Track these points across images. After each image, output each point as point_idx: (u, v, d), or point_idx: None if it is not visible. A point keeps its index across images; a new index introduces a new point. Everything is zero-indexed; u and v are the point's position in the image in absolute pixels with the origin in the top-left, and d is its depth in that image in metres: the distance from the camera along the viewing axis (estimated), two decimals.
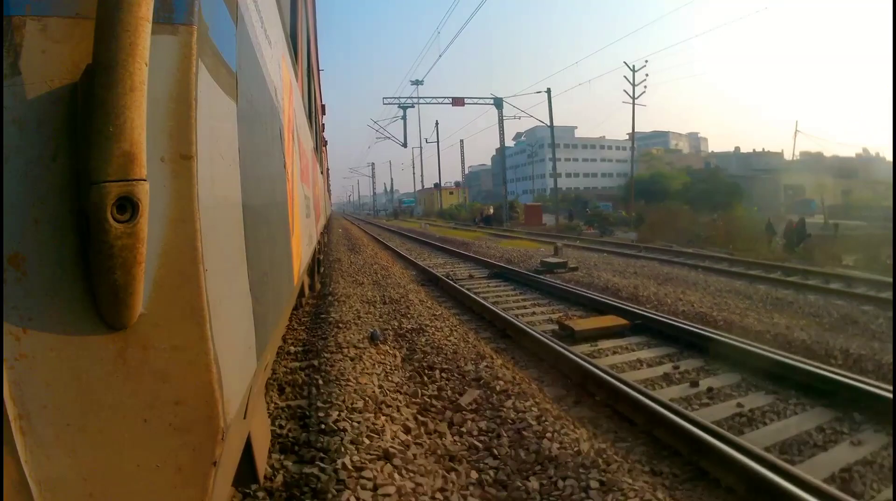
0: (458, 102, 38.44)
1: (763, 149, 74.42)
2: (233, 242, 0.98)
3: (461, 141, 78.86)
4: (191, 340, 0.73)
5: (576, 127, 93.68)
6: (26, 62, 0.63)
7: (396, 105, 40.73)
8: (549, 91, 33.60)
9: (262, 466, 2.11)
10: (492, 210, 41.86)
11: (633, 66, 34.03)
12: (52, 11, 0.65)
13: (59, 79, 0.65)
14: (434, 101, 40.09)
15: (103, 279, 0.63)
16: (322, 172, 8.84)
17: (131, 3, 0.60)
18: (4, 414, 0.60)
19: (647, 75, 34.00)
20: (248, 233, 1.09)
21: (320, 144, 8.07)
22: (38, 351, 0.63)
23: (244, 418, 1.17)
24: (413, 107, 41.04)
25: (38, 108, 0.63)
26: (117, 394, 0.67)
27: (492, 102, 38.32)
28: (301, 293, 4.93)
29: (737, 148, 74.16)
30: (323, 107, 8.73)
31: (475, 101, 38.93)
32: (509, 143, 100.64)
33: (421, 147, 65.05)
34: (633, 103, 33.66)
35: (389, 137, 46.27)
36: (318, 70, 7.23)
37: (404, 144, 43.57)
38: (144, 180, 0.63)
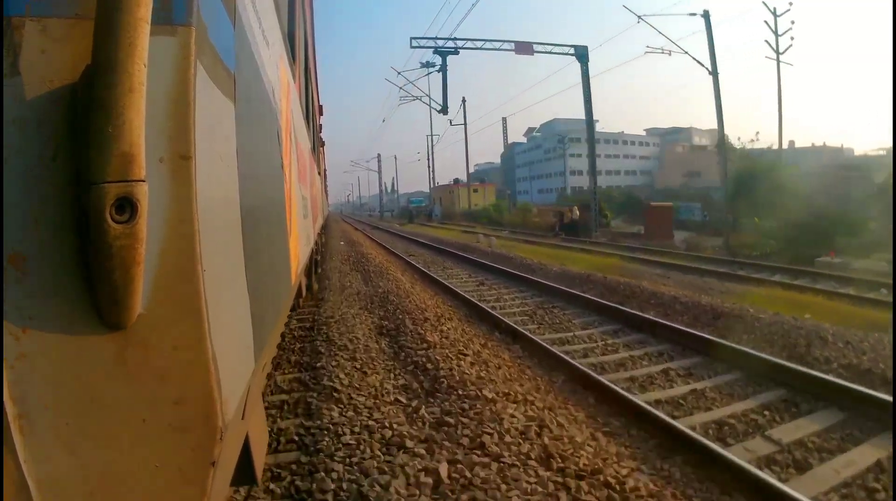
0: (523, 48, 25.73)
1: (822, 144, 62.75)
2: (231, 242, 0.98)
3: (504, 119, 66.25)
4: (189, 340, 0.73)
5: (597, 121, 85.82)
6: (26, 62, 0.63)
7: (433, 50, 25.97)
8: (707, 16, 20.99)
9: (259, 466, 2.10)
10: (577, 212, 27.58)
11: (775, 9, 23.02)
12: (51, 12, 0.65)
13: (58, 79, 0.65)
14: (487, 45, 25.97)
15: (103, 280, 0.63)
16: (319, 173, 8.84)
17: (130, 4, 0.61)
18: (4, 414, 0.61)
19: (792, 23, 23.12)
20: (245, 234, 1.09)
21: (318, 144, 8.07)
22: (37, 351, 0.63)
23: (242, 418, 1.17)
24: (456, 52, 25.73)
25: (37, 108, 0.64)
26: (117, 394, 0.68)
27: (571, 51, 26.19)
28: (298, 294, 4.93)
29: (791, 142, 60.52)
30: (320, 107, 8.73)
31: (548, 49, 26.04)
32: (520, 139, 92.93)
33: (432, 136, 53.34)
34: (778, 59, 22.48)
35: (420, 98, 32.41)
36: (316, 70, 7.23)
37: (443, 109, 27.51)
38: (143, 181, 0.64)
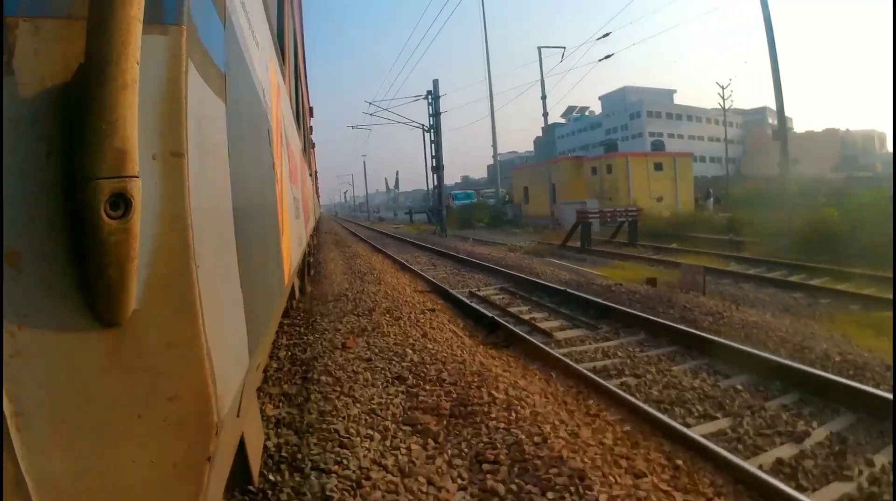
0: None
1: None
2: (224, 240, 0.99)
3: None
4: (184, 336, 0.74)
5: (675, 91, 63.88)
6: (20, 62, 0.64)
7: None
8: None
9: (256, 466, 2.10)
10: None
11: None
12: (44, 12, 0.66)
13: (51, 78, 0.66)
14: None
15: (97, 275, 0.64)
16: (311, 175, 8.82)
17: (123, 2, 0.61)
18: (2, 412, 0.61)
19: None
20: (238, 232, 1.10)
21: (308, 146, 8.05)
22: (33, 348, 0.63)
23: (237, 416, 1.17)
24: None
25: (32, 107, 0.64)
26: (112, 390, 0.68)
27: None
28: (291, 295, 4.92)
29: None
30: (310, 109, 8.71)
31: None
32: (558, 119, 70.02)
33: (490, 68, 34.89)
34: None
35: None
36: (306, 71, 7.22)
37: None
38: (137, 177, 0.64)
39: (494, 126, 33.55)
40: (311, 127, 8.98)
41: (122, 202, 0.62)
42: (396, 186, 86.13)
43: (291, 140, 3.39)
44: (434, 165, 25.44)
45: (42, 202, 0.64)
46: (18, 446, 0.62)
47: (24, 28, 0.65)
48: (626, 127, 55.55)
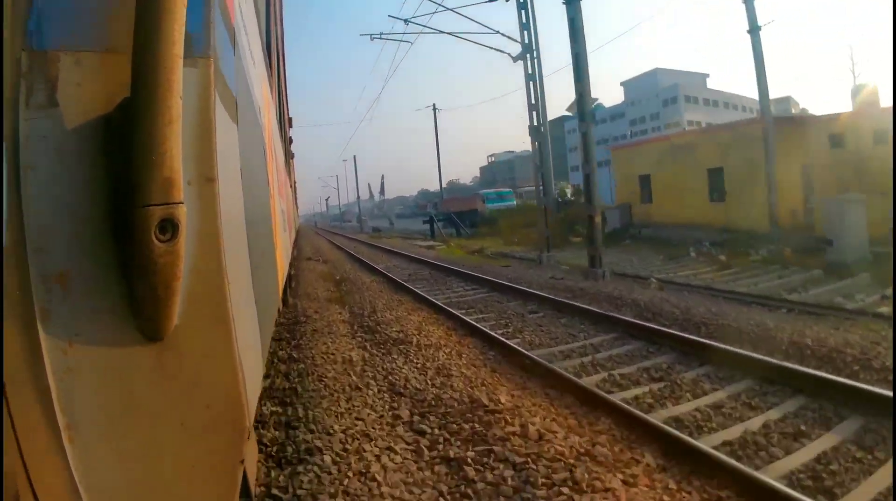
0: None
1: None
2: (242, 256, 1.04)
3: None
4: (219, 348, 0.79)
5: (707, 75, 55.41)
6: (63, 94, 0.68)
7: None
8: None
9: (252, 479, 2.12)
10: None
11: None
12: (85, 46, 0.70)
13: (93, 110, 0.70)
14: None
15: (147, 294, 0.68)
16: (291, 186, 8.79)
17: (167, 42, 0.66)
18: (56, 425, 0.65)
19: None
20: (251, 247, 1.15)
21: (289, 157, 8.03)
22: (83, 364, 0.67)
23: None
24: None
25: (75, 137, 0.68)
26: (157, 401, 0.73)
27: None
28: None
29: None
30: (290, 119, 8.68)
31: None
32: (566, 113, 63.41)
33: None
34: None
35: None
36: (286, 79, 7.21)
37: None
38: (182, 203, 0.69)
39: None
40: (290, 138, 8.95)
41: (169, 227, 0.67)
42: (382, 191, 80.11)
43: (278, 153, 3.41)
44: (543, 120, 13.14)
45: (88, 228, 0.68)
46: (72, 457, 0.66)
47: (65, 61, 0.69)
48: (656, 116, 46.35)
